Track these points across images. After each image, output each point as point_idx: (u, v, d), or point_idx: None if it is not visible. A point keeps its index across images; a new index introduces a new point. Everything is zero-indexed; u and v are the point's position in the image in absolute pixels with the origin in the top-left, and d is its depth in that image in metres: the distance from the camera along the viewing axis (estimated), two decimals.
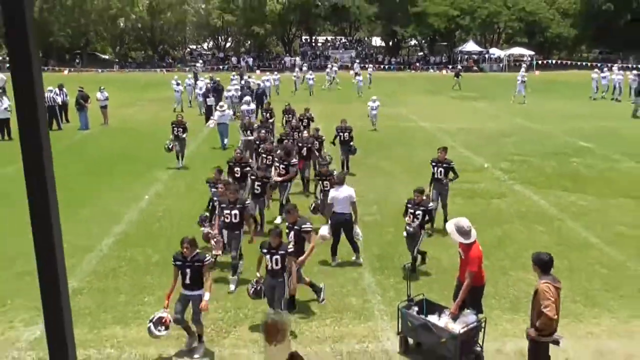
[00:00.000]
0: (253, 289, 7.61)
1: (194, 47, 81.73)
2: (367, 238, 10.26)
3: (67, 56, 66.31)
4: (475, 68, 59.90)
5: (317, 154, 14.51)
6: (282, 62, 64.29)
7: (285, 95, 34.15)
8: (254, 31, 65.35)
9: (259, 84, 28.92)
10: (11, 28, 1.31)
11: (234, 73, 38.03)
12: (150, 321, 6.83)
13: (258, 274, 7.75)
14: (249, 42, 73.16)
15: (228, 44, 77.67)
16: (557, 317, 5.92)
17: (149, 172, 16.33)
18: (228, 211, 9.08)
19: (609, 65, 43.47)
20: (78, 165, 16.80)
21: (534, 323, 5.97)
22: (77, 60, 63.41)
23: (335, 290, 8.97)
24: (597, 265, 9.93)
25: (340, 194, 9.89)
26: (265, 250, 7.58)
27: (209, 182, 10.85)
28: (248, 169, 11.98)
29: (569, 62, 61.95)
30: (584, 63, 59.32)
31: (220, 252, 9.29)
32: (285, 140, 14.76)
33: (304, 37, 74.90)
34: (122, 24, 67.28)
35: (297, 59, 63.84)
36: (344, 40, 73.96)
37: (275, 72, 42.31)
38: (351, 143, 15.78)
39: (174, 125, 16.71)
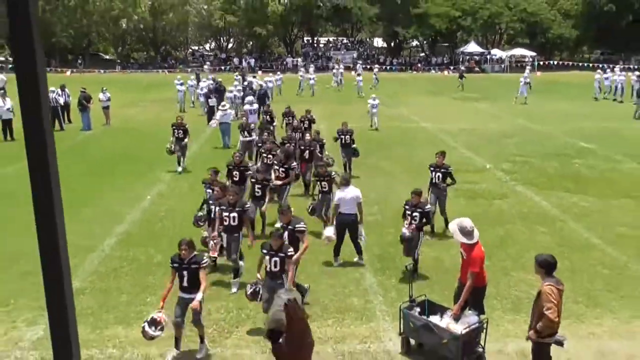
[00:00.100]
0: (251, 290, 7.59)
1: (196, 48, 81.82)
2: (368, 238, 10.26)
3: (69, 57, 66.40)
4: (476, 69, 59.85)
5: (319, 156, 14.46)
6: (284, 63, 64.32)
7: (289, 95, 34.20)
8: (256, 32, 65.43)
9: (261, 85, 28.94)
10: (15, 24, 1.33)
11: (236, 73, 38.12)
12: (145, 321, 6.80)
13: (258, 276, 7.74)
14: (251, 43, 73.26)
15: (230, 45, 77.75)
16: (559, 320, 5.92)
17: (151, 173, 16.35)
18: (227, 214, 9.05)
19: (611, 66, 43.39)
20: (80, 165, 16.83)
21: (534, 325, 5.96)
22: (80, 61, 63.47)
23: (337, 291, 8.98)
24: (598, 266, 9.93)
25: (347, 194, 9.88)
26: (265, 251, 7.58)
27: (205, 182, 10.79)
28: (248, 172, 11.90)
29: (570, 63, 61.93)
30: (585, 64, 59.30)
31: (216, 254, 9.22)
32: (287, 144, 14.70)
33: (305, 38, 74.93)
34: (124, 25, 67.35)
35: (299, 59, 63.92)
36: (345, 41, 73.95)
37: (278, 73, 42.38)
38: (353, 145, 15.74)
39: (174, 127, 16.49)
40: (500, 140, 21.71)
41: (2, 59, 65.94)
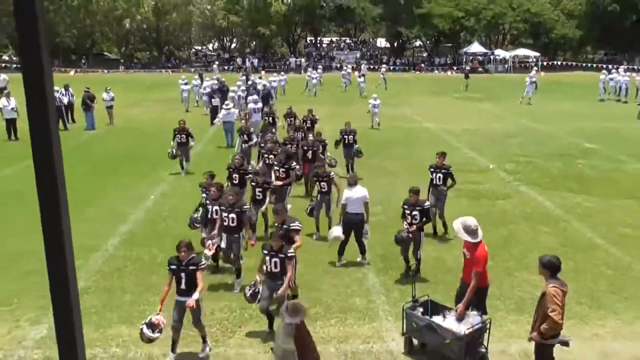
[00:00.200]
0: (250, 292, 7.53)
1: (199, 48, 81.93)
2: (371, 238, 10.25)
3: (73, 57, 66.56)
4: (480, 69, 59.82)
5: (322, 157, 14.41)
6: (287, 63, 64.36)
7: (294, 95, 34.23)
8: (259, 32, 65.51)
9: (264, 85, 28.99)
10: (21, 23, 1.33)
11: (241, 73, 38.33)
12: (143, 324, 6.77)
13: (258, 277, 7.66)
14: (254, 43, 73.35)
15: (233, 45, 77.85)
16: (562, 321, 5.91)
17: (154, 172, 16.37)
18: (226, 214, 9.01)
19: (616, 66, 43.33)
20: (84, 165, 16.86)
21: (537, 326, 5.94)
22: (83, 61, 63.63)
23: (340, 291, 8.98)
24: (602, 266, 9.91)
25: (354, 194, 9.88)
26: (266, 252, 7.55)
27: (201, 186, 10.67)
28: (248, 176, 11.72)
29: (574, 63, 61.86)
30: (589, 64, 59.21)
31: (211, 252, 9.12)
32: (289, 145, 14.64)
33: (309, 38, 74.95)
34: (127, 25, 67.53)
35: (302, 59, 63.97)
36: (348, 41, 73.94)
37: (282, 73, 42.50)
38: (355, 146, 15.71)
39: (176, 132, 16.07)
40: (503, 140, 21.69)
41: (7, 58, 66.17)
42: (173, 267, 7.00)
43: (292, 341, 4.81)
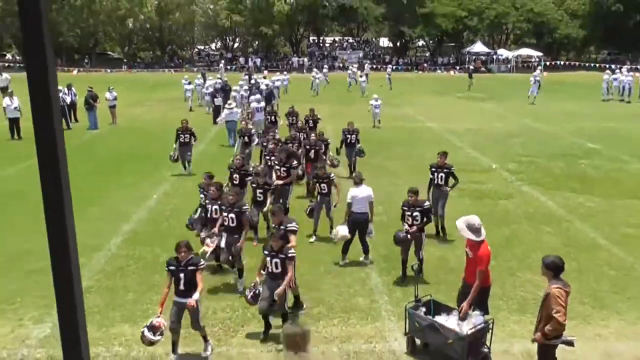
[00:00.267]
0: (251, 294, 7.49)
1: (202, 47, 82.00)
2: (375, 238, 10.24)
3: (76, 56, 66.68)
4: (483, 69, 59.77)
5: (324, 157, 14.35)
6: (290, 62, 64.36)
7: (298, 95, 34.23)
8: (262, 32, 65.56)
9: (267, 85, 29.02)
10: (26, 22, 1.33)
11: (244, 73, 38.44)
12: (144, 327, 6.74)
13: (257, 279, 7.63)
14: (257, 43, 73.39)
15: (236, 45, 77.89)
16: (566, 322, 5.90)
17: (157, 172, 16.39)
18: (226, 214, 8.98)
19: (619, 66, 43.26)
20: (87, 164, 16.88)
21: (541, 327, 5.92)
22: (86, 61, 63.74)
23: (343, 291, 8.98)
24: (605, 266, 9.90)
25: (360, 193, 9.86)
26: (266, 253, 7.51)
27: (200, 186, 10.59)
28: (248, 178, 11.59)
29: (577, 63, 61.75)
30: (592, 64, 59.12)
31: (210, 248, 9.07)
32: (290, 144, 14.60)
33: (311, 38, 74.99)
34: (130, 25, 67.63)
35: (305, 59, 63.99)
36: (351, 40, 73.94)
37: (285, 72, 42.59)
38: (358, 145, 15.69)
39: (179, 132, 15.85)
40: (506, 140, 21.67)
41: (10, 57, 66.30)
42: (172, 267, 6.97)
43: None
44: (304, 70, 55.46)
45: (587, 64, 60.45)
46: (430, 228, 10.68)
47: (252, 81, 31.16)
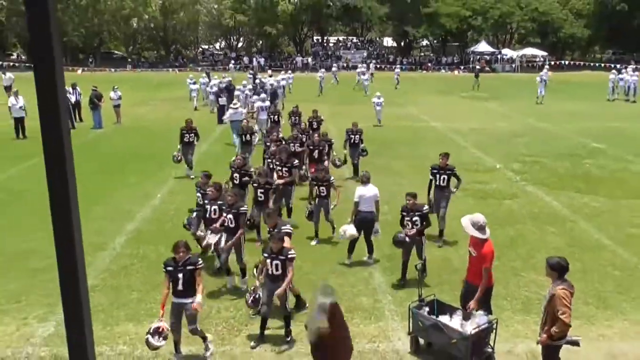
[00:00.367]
0: (252, 299, 7.46)
1: (206, 47, 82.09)
2: (381, 237, 10.23)
3: (80, 56, 66.84)
4: (487, 69, 59.67)
5: (327, 158, 14.28)
6: (294, 62, 64.37)
7: (300, 94, 34.23)
8: (266, 31, 65.61)
9: (271, 84, 29.03)
10: (34, 20, 1.34)
11: (249, 72, 38.53)
12: (148, 333, 6.70)
13: (257, 282, 7.58)
14: (261, 42, 73.48)
15: (240, 44, 77.96)
16: (571, 323, 5.90)
17: (161, 171, 16.41)
18: (225, 214, 8.96)
19: (624, 66, 43.15)
20: (91, 163, 16.92)
21: (547, 328, 5.91)
22: (91, 60, 63.90)
23: (346, 290, 8.97)
24: (609, 267, 9.88)
25: (367, 192, 9.86)
26: (266, 255, 7.44)
27: (197, 186, 10.51)
28: (245, 179, 11.49)
29: (582, 62, 61.60)
30: (597, 64, 58.97)
31: (211, 242, 9.00)
32: (291, 144, 14.55)
33: (315, 37, 74.97)
34: (135, 24, 67.77)
35: (309, 59, 63.99)
36: (355, 40, 73.90)
37: (289, 72, 42.68)
38: (361, 145, 15.66)
39: (183, 131, 15.69)
40: (510, 139, 21.64)
41: (15, 56, 66.49)
42: (170, 268, 6.92)
43: (326, 319, 4.80)
44: (309, 70, 55.45)
45: (591, 64, 60.33)
46: (433, 229, 10.67)
47: (257, 81, 31.18)
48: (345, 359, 5.00)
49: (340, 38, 78.08)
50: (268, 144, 14.46)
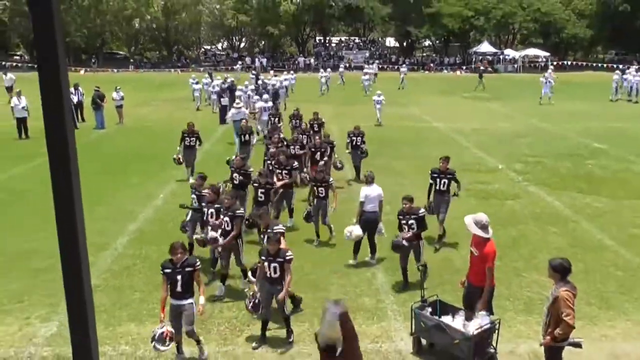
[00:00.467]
0: (251, 304, 7.40)
1: (209, 47, 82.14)
2: (380, 238, 10.24)
3: (83, 56, 66.95)
4: (489, 69, 59.60)
5: (329, 160, 14.25)
6: (296, 62, 64.38)
7: (302, 94, 34.26)
8: (268, 31, 65.63)
9: (273, 85, 29.05)
10: (38, 20, 1.35)
11: (251, 73, 38.65)
12: (153, 340, 6.64)
13: (255, 287, 7.54)
14: (263, 43, 73.48)
15: (242, 45, 77.99)
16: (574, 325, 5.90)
17: (163, 171, 16.41)
18: (221, 216, 8.92)
19: (627, 66, 43.08)
20: (94, 164, 16.93)
21: (551, 330, 5.90)
22: (93, 60, 63.99)
23: (349, 290, 8.98)
24: (612, 267, 9.86)
25: (372, 192, 9.87)
26: (263, 258, 7.37)
27: (192, 187, 10.40)
28: (242, 178, 11.45)
29: (584, 63, 61.51)
30: (599, 64, 58.89)
31: (212, 236, 8.88)
32: (292, 146, 14.49)
33: (317, 38, 74.98)
34: (137, 25, 67.85)
35: (312, 59, 64.02)
36: (357, 40, 73.89)
37: (292, 72, 42.76)
38: (363, 147, 15.59)
39: (185, 135, 15.30)
40: (512, 140, 21.62)
41: (18, 57, 66.59)
42: (167, 270, 6.84)
43: (339, 328, 4.79)
44: (311, 71, 55.48)
45: (594, 64, 60.22)
46: (433, 232, 10.67)
47: (259, 81, 31.18)
48: None
49: (343, 38, 78.08)
50: (269, 145, 14.44)
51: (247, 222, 9.73)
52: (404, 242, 8.92)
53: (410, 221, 9.02)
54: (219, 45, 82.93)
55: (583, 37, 63.82)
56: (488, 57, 62.92)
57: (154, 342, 6.62)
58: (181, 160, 15.33)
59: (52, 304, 8.28)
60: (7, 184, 15.24)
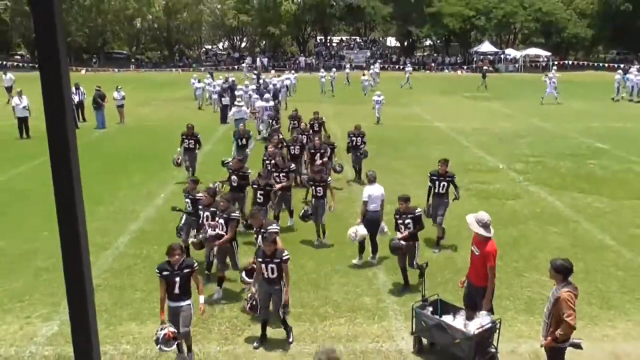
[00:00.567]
0: (249, 305, 7.41)
1: (210, 47, 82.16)
2: (381, 238, 10.24)
3: (84, 56, 66.98)
4: (490, 69, 59.55)
5: (329, 162, 14.21)
6: (297, 62, 64.37)
7: (303, 94, 34.26)
8: (269, 31, 65.59)
9: (274, 84, 29.05)
10: (39, 20, 1.35)
11: (253, 73, 38.69)
12: (157, 342, 6.61)
13: (253, 289, 7.52)
14: (264, 42, 73.43)
15: (243, 44, 77.98)
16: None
17: (164, 171, 16.42)
18: (217, 219, 8.86)
19: (628, 66, 43.05)
20: (95, 163, 16.94)
21: (552, 331, 5.90)
22: (94, 60, 64.01)
23: (349, 290, 8.99)
24: (612, 267, 9.86)
25: (375, 191, 9.89)
26: (260, 260, 7.34)
27: (185, 191, 10.25)
28: (239, 180, 11.40)
29: (585, 62, 61.44)
30: (600, 64, 58.83)
31: (216, 232, 8.87)
32: (292, 146, 14.45)
33: (318, 37, 74.96)
34: (138, 24, 67.86)
35: (313, 58, 64.01)
36: (358, 40, 73.87)
37: (293, 72, 42.79)
38: (363, 147, 15.55)
39: (184, 137, 15.01)
40: (513, 140, 21.61)
41: (19, 56, 66.62)
42: (166, 273, 6.80)
43: None
44: (312, 70, 55.46)
45: (595, 64, 60.16)
46: (432, 235, 10.68)
47: (261, 81, 31.20)
48: None
49: (344, 38, 78.08)
50: (268, 146, 14.37)
51: (244, 222, 9.71)
52: (402, 243, 8.93)
53: (407, 220, 9.01)
54: (220, 45, 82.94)
55: (584, 36, 63.75)
56: (489, 56, 62.87)
57: (159, 345, 6.60)
58: (180, 162, 15.11)
59: (54, 303, 8.30)
60: (8, 183, 15.26)
